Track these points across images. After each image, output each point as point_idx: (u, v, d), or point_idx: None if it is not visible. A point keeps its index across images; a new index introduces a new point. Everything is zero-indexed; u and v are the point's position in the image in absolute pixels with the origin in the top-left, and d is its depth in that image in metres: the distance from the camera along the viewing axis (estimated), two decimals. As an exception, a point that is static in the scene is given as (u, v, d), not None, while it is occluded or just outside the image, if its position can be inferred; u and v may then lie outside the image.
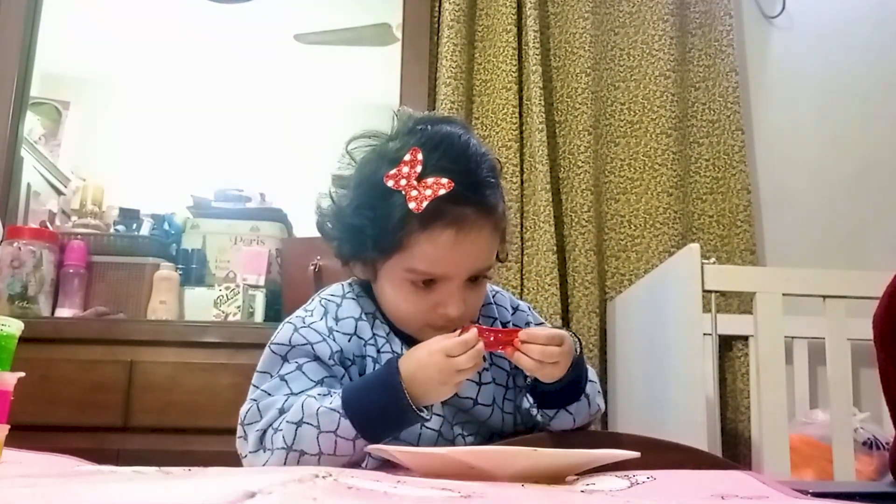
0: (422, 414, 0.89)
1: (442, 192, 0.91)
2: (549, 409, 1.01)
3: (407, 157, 0.93)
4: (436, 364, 0.88)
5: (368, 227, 0.96)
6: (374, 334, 1.00)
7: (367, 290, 1.04)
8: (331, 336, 0.97)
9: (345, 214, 0.99)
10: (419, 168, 0.93)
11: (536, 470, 0.77)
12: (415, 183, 0.92)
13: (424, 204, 0.91)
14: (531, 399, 1.02)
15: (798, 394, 2.23)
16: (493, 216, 0.97)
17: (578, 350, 0.99)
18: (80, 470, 0.82)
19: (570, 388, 0.99)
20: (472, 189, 0.94)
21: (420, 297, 0.96)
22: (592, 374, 1.07)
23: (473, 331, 0.90)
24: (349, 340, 0.98)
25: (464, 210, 0.93)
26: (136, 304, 2.10)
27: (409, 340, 1.01)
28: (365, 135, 1.01)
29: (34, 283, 2.01)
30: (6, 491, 0.50)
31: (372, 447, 0.86)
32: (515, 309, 1.13)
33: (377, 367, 0.98)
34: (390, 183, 0.93)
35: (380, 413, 0.88)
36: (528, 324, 1.12)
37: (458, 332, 0.91)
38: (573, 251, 2.26)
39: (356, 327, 1.00)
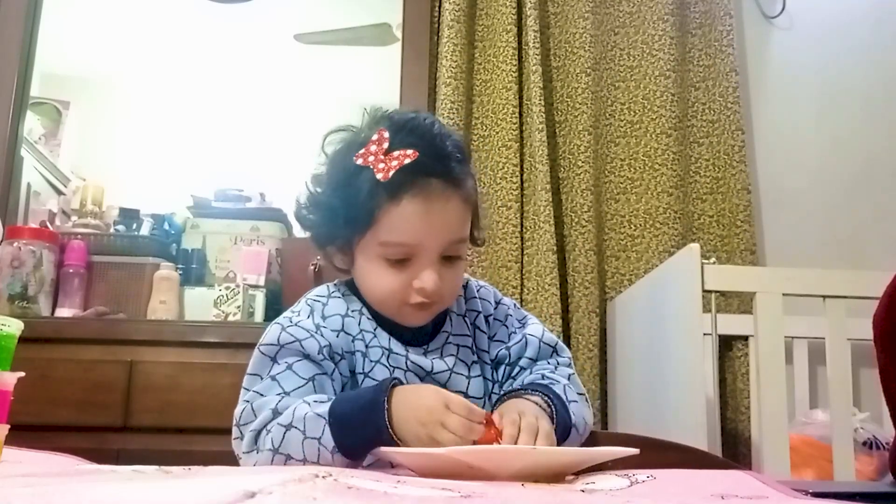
0: (399, 441, 0.85)
1: (407, 161, 0.94)
2: None
3: (374, 137, 0.97)
4: (430, 406, 0.84)
5: (340, 206, 0.99)
6: (361, 330, 1.01)
7: (352, 290, 1.05)
8: (318, 332, 0.97)
9: (319, 200, 1.03)
10: (386, 145, 0.96)
11: (536, 469, 0.77)
12: (382, 157, 0.95)
13: (391, 174, 0.94)
14: None
15: (798, 394, 2.23)
16: (460, 188, 0.99)
17: (556, 409, 0.96)
18: (80, 469, 0.81)
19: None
20: (437, 160, 0.96)
21: (395, 274, 0.97)
22: (578, 388, 1.03)
23: (485, 412, 0.86)
24: (337, 336, 0.99)
25: (430, 180, 0.95)
26: (136, 304, 2.10)
27: (397, 335, 1.01)
28: (337, 129, 1.05)
29: (34, 282, 2.01)
30: (6, 490, 0.50)
31: (375, 449, 0.86)
32: (498, 303, 1.13)
33: (366, 361, 0.99)
34: (359, 161, 0.96)
35: (358, 427, 0.86)
36: (508, 317, 1.11)
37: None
38: (573, 251, 2.26)
39: (343, 323, 1.01)
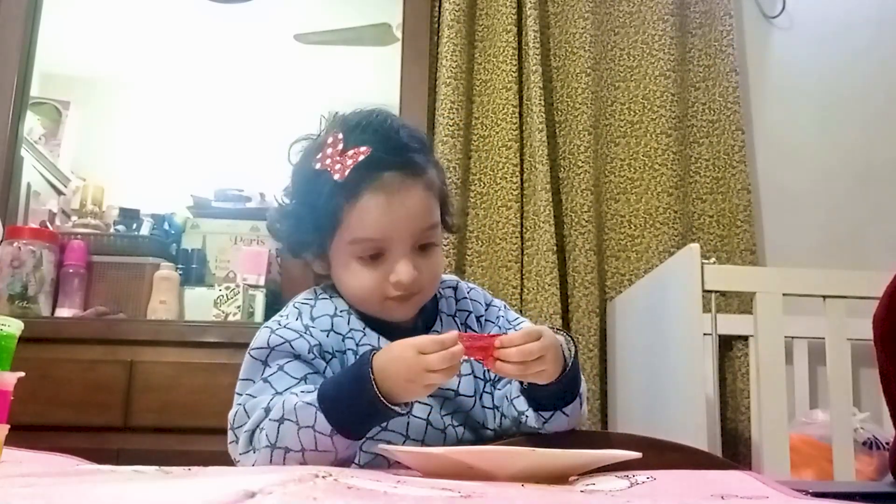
0: (394, 408, 0.86)
1: (362, 158, 0.95)
2: (546, 410, 0.98)
3: (329, 140, 0.99)
4: (406, 359, 0.85)
5: (306, 212, 1.00)
6: (350, 329, 1.02)
7: (337, 292, 1.06)
8: (307, 332, 0.98)
9: (286, 210, 1.05)
10: (340, 146, 0.97)
11: (536, 470, 0.77)
12: (338, 158, 0.97)
13: (347, 172, 0.95)
14: (525, 403, 0.99)
15: (798, 394, 2.23)
16: (420, 176, 0.99)
17: (573, 350, 0.96)
18: (80, 469, 0.82)
19: (567, 386, 0.97)
20: (392, 152, 0.97)
21: (370, 271, 0.98)
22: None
23: (452, 333, 0.87)
24: (327, 336, 1.00)
25: (387, 173, 0.97)
26: (136, 304, 2.10)
27: (386, 333, 1.02)
28: (299, 139, 1.06)
29: (34, 283, 2.01)
30: (6, 490, 0.50)
31: (377, 447, 0.86)
32: (489, 305, 1.13)
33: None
34: (317, 166, 0.98)
35: (349, 404, 0.86)
36: (499, 318, 1.11)
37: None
38: (573, 251, 2.26)
39: (332, 323, 1.01)
